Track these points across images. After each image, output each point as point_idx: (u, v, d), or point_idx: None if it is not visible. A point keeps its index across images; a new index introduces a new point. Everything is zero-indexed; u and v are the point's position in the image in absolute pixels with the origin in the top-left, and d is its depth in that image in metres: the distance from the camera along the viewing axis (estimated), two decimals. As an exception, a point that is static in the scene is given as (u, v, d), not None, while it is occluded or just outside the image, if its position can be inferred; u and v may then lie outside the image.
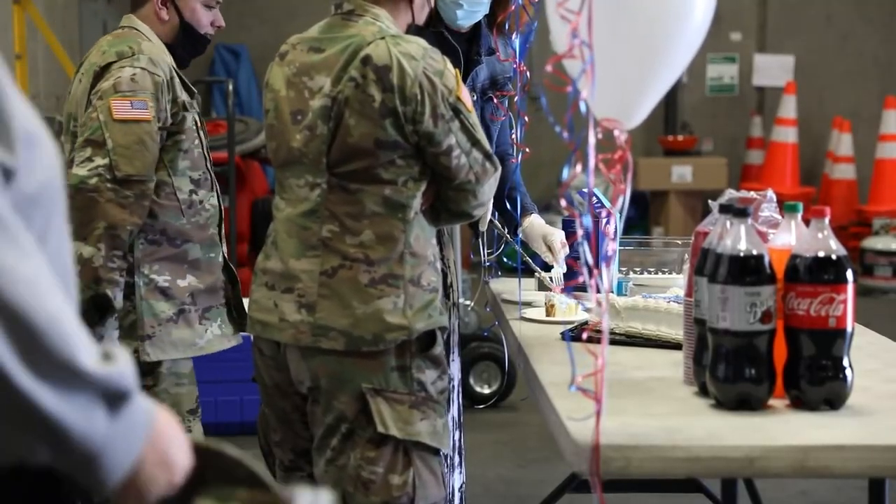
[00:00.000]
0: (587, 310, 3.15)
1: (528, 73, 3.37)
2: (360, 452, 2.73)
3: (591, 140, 2.02)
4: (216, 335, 3.30)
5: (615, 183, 2.08)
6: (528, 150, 3.55)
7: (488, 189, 2.82)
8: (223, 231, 3.35)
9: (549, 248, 3.54)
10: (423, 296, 2.74)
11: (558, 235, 3.55)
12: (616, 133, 2.13)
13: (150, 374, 3.18)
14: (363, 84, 2.68)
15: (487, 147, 2.78)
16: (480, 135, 2.76)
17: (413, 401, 2.73)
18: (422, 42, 2.75)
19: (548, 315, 3.24)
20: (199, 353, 3.28)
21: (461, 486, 3.41)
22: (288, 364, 2.81)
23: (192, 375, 3.33)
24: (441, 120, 2.70)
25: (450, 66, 2.75)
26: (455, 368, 3.38)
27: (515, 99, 3.32)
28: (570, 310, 3.24)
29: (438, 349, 2.76)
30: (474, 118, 2.76)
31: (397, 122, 2.68)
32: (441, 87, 2.70)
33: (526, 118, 3.29)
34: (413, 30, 2.95)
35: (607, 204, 3.63)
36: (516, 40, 3.46)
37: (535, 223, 3.59)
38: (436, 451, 2.78)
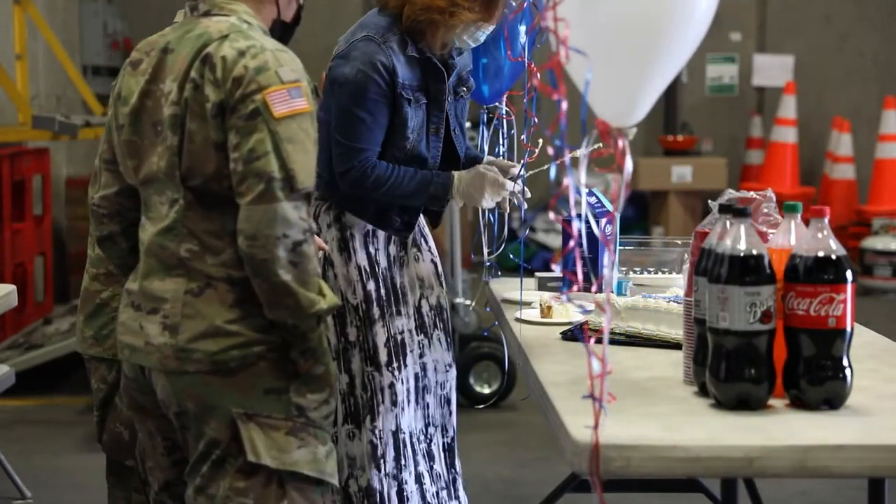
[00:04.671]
0: (587, 312, 3.15)
1: (538, 74, 3.37)
2: (229, 482, 2.52)
3: (584, 151, 2.02)
4: None
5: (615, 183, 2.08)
6: (536, 150, 3.54)
7: (267, 225, 2.40)
8: None
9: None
10: None
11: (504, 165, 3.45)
12: (620, 142, 2.12)
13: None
14: (201, 85, 2.48)
15: (286, 174, 2.42)
16: (285, 156, 2.42)
17: (290, 427, 2.51)
18: (269, 41, 2.52)
19: (544, 316, 3.24)
20: None
21: None
22: (154, 387, 2.60)
23: None
24: (235, 114, 2.45)
25: (286, 69, 2.47)
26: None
27: (525, 100, 3.31)
28: (565, 311, 3.24)
29: (321, 370, 2.53)
30: (288, 133, 2.43)
31: (225, 123, 2.47)
32: (255, 82, 2.44)
33: (535, 119, 3.28)
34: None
35: (608, 205, 3.63)
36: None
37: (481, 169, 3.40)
38: (317, 482, 2.56)
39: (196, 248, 2.52)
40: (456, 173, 3.37)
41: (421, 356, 3.41)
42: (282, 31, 2.71)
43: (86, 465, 5.24)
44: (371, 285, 3.32)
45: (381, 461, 3.31)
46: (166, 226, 2.54)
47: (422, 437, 3.43)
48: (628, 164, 2.09)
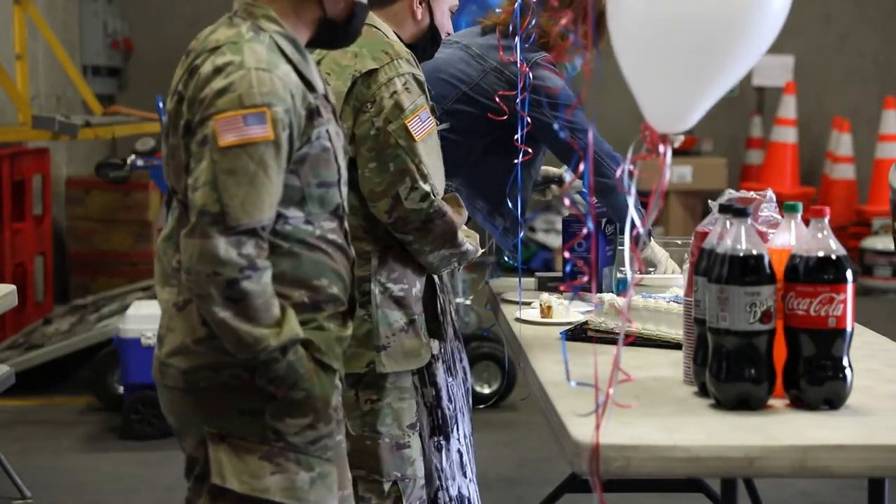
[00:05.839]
0: (587, 312, 3.15)
1: (529, 75, 3.37)
2: (203, 501, 2.44)
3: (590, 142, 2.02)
4: (426, 345, 3.09)
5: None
6: (530, 150, 3.55)
7: (197, 261, 2.27)
8: None
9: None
10: None
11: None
12: (662, 148, 2.12)
13: (373, 386, 3.02)
14: (183, 99, 2.37)
15: (220, 208, 2.28)
16: (222, 189, 2.28)
17: (265, 451, 2.38)
18: (257, 56, 2.35)
19: (544, 316, 3.24)
20: (419, 365, 3.09)
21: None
22: None
23: (412, 389, 3.10)
24: (193, 138, 2.34)
25: (255, 92, 2.30)
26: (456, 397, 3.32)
27: (517, 100, 3.31)
28: (565, 311, 3.24)
29: (300, 394, 2.38)
30: (232, 164, 2.29)
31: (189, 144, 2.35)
32: (213, 105, 2.31)
33: (529, 119, 3.29)
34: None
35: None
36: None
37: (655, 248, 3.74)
38: None
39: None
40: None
41: (461, 360, 3.41)
42: (331, 32, 2.54)
43: (86, 465, 5.25)
44: (440, 294, 3.24)
45: (467, 468, 3.31)
46: (167, 233, 2.46)
47: (472, 441, 3.44)
48: (667, 172, 2.09)
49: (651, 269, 3.70)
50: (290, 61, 2.40)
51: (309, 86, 2.42)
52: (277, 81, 2.33)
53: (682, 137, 2.19)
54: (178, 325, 2.44)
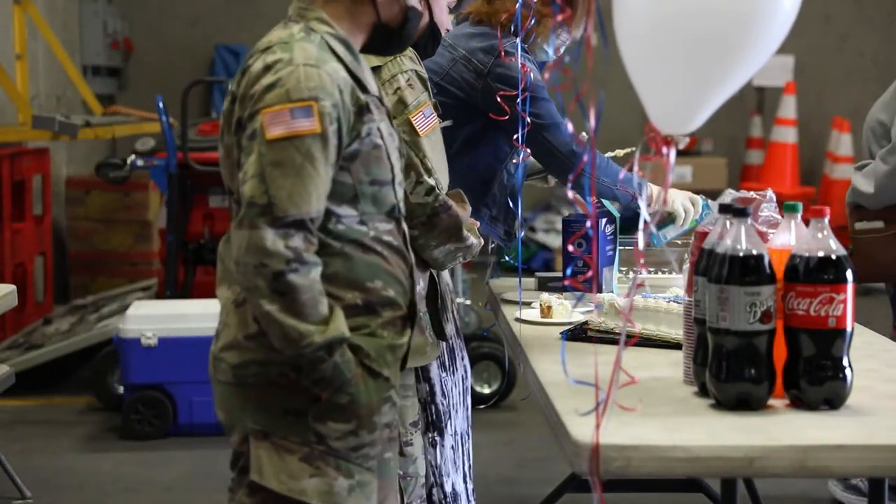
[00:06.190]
0: (587, 312, 3.15)
1: (530, 75, 3.37)
2: (240, 497, 2.47)
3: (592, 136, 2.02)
4: (432, 343, 3.09)
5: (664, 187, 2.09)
6: (529, 151, 3.55)
7: (245, 252, 2.31)
8: None
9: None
10: None
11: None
12: (666, 150, 2.12)
13: None
14: (236, 98, 2.42)
15: (267, 200, 2.31)
16: (269, 181, 2.31)
17: (306, 453, 2.40)
18: (306, 54, 2.38)
19: (544, 316, 3.24)
20: (426, 363, 3.10)
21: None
22: None
23: (414, 387, 3.12)
24: (243, 134, 2.38)
25: (302, 87, 2.35)
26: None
27: (518, 101, 3.31)
28: (565, 311, 3.24)
29: (345, 399, 2.39)
30: (279, 156, 2.32)
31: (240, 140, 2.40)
32: (262, 100, 2.35)
33: (529, 120, 3.29)
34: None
35: (607, 205, 3.64)
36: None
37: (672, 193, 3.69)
38: None
39: None
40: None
41: (462, 358, 3.41)
42: (385, 38, 2.57)
43: (86, 465, 5.25)
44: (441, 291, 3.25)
45: (458, 462, 3.30)
46: (228, 234, 2.47)
47: (466, 436, 3.44)
48: (670, 174, 2.09)
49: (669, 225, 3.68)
50: (340, 60, 2.43)
51: (360, 85, 2.44)
52: (325, 76, 2.37)
53: (686, 139, 2.19)
54: (233, 320, 2.46)
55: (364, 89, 2.45)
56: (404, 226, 2.54)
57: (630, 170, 2.12)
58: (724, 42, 2.09)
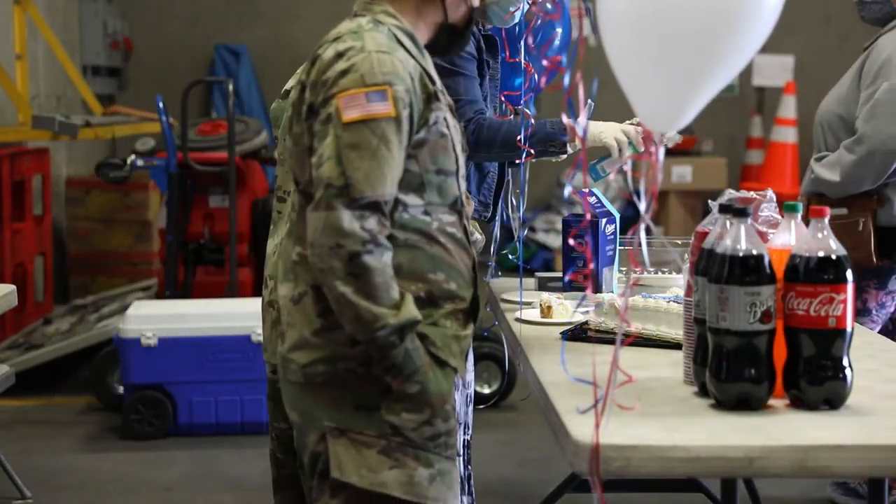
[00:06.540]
0: (585, 312, 3.15)
1: (535, 76, 3.37)
2: (324, 501, 2.46)
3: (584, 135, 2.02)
4: None
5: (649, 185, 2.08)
6: (532, 151, 3.54)
7: (321, 234, 2.33)
8: None
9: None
10: None
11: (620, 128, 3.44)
12: (653, 148, 2.12)
13: None
14: (306, 87, 2.45)
15: (344, 181, 2.33)
16: (346, 163, 2.33)
17: (383, 446, 2.41)
18: (378, 42, 2.42)
19: (544, 316, 3.24)
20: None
21: None
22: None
23: None
24: (316, 119, 2.41)
25: (376, 72, 2.37)
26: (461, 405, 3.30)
27: (522, 100, 3.31)
28: (565, 311, 3.24)
29: (415, 388, 2.41)
30: (355, 138, 2.34)
31: (312, 127, 2.42)
32: (336, 85, 2.38)
33: (532, 120, 3.28)
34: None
35: (607, 204, 3.64)
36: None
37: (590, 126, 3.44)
38: None
39: (304, 252, 2.44)
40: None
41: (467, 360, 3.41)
42: (449, 38, 2.60)
43: (86, 465, 5.25)
44: None
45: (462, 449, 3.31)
46: (289, 228, 2.51)
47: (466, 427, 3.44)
48: (659, 172, 2.09)
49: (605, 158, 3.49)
50: (406, 51, 2.46)
51: (428, 75, 2.47)
52: (398, 63, 2.41)
53: (677, 136, 2.19)
54: (296, 318, 2.47)
55: (431, 80, 2.48)
56: (466, 220, 2.54)
57: (620, 169, 2.12)
58: (708, 38, 2.09)
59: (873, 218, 4.21)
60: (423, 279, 2.45)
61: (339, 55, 2.41)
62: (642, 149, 3.35)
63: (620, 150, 3.41)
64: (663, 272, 3.71)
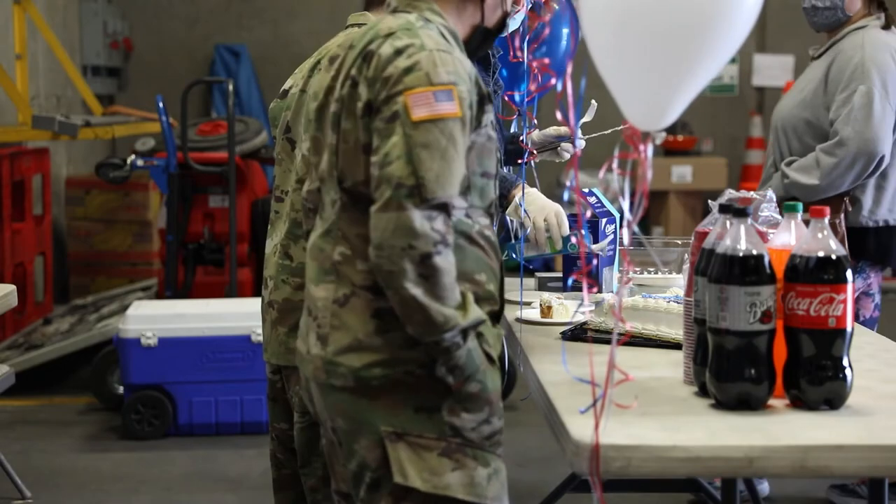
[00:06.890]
0: (584, 313, 3.15)
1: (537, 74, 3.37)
2: None
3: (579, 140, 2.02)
4: None
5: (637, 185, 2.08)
6: (534, 152, 3.55)
7: (392, 235, 2.27)
8: None
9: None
10: None
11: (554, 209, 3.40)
12: (643, 147, 2.12)
13: None
14: (358, 82, 2.39)
15: (416, 181, 2.28)
16: (417, 162, 2.29)
17: (444, 448, 2.37)
18: (434, 40, 2.39)
19: (544, 316, 3.24)
20: None
21: None
22: (313, 398, 2.52)
23: None
24: (378, 116, 2.36)
25: (440, 71, 2.34)
26: None
27: (526, 100, 3.31)
28: (565, 311, 3.24)
29: (476, 387, 2.38)
30: (426, 138, 2.30)
31: (371, 124, 2.37)
32: (401, 83, 2.34)
33: (536, 121, 3.28)
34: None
35: (607, 204, 3.64)
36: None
37: (534, 195, 3.41)
38: None
39: (348, 252, 2.41)
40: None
41: None
42: (482, 41, 2.61)
43: (86, 465, 5.25)
44: None
45: None
46: (327, 228, 2.45)
47: None
48: (648, 171, 2.09)
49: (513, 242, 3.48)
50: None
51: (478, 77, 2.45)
52: (458, 63, 2.38)
53: (664, 134, 2.19)
54: (346, 321, 2.40)
55: (483, 81, 2.46)
56: (495, 223, 2.54)
57: (609, 168, 2.13)
58: (690, 34, 2.09)
59: (846, 219, 4.26)
60: (471, 280, 2.42)
61: (399, 52, 2.36)
62: (559, 247, 3.37)
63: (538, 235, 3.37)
64: (663, 272, 3.71)
